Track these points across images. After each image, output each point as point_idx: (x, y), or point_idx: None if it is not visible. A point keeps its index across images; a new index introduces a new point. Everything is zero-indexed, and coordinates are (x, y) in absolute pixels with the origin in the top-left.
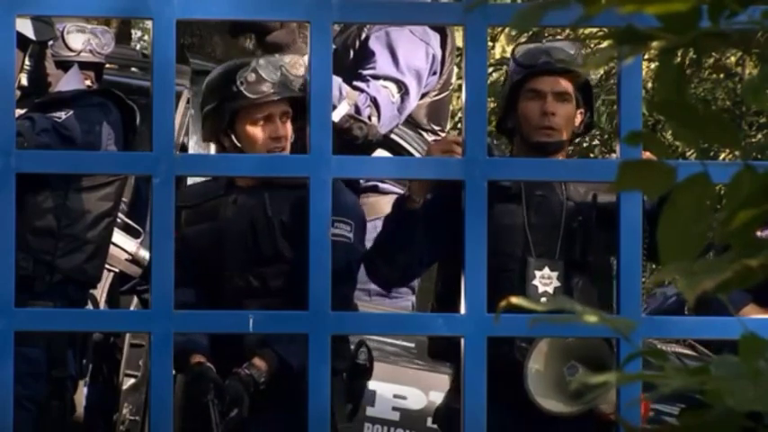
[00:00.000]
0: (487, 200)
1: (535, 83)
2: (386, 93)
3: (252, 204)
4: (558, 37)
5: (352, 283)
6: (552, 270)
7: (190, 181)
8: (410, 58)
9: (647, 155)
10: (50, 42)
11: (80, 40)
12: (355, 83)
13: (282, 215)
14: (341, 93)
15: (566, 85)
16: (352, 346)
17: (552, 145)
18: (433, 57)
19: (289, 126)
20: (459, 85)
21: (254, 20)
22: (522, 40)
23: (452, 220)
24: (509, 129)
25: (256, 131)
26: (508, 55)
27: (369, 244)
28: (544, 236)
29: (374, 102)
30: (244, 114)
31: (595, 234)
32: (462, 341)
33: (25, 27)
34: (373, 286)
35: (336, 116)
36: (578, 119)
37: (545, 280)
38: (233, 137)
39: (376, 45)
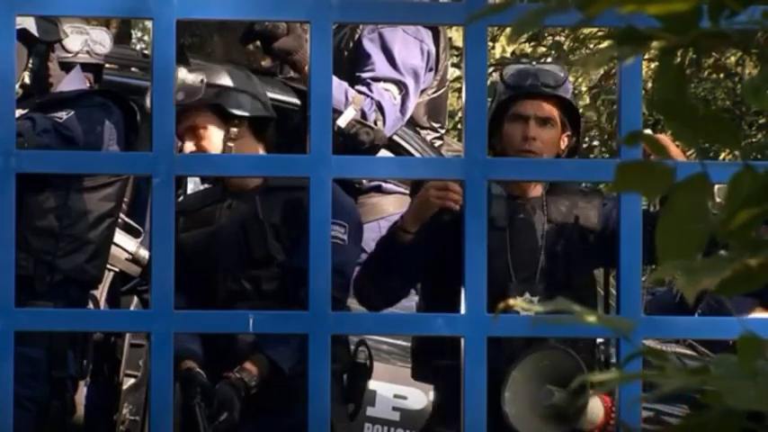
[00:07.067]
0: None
1: (519, 106)
2: (389, 96)
3: (244, 208)
4: (548, 60)
5: (346, 285)
6: (533, 295)
7: (190, 186)
8: (406, 57)
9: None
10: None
11: (77, 41)
12: (358, 87)
13: (275, 218)
14: (347, 98)
15: (549, 109)
16: (352, 346)
17: None
18: (428, 53)
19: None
20: (459, 87)
21: (261, 26)
22: (522, 40)
23: (442, 248)
24: (494, 148)
25: (186, 145)
26: (508, 55)
27: (369, 245)
28: (524, 259)
29: (379, 106)
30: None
31: (576, 254)
32: (462, 341)
33: (30, 25)
34: None
35: (343, 121)
36: (564, 142)
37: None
38: None
39: (371, 47)
